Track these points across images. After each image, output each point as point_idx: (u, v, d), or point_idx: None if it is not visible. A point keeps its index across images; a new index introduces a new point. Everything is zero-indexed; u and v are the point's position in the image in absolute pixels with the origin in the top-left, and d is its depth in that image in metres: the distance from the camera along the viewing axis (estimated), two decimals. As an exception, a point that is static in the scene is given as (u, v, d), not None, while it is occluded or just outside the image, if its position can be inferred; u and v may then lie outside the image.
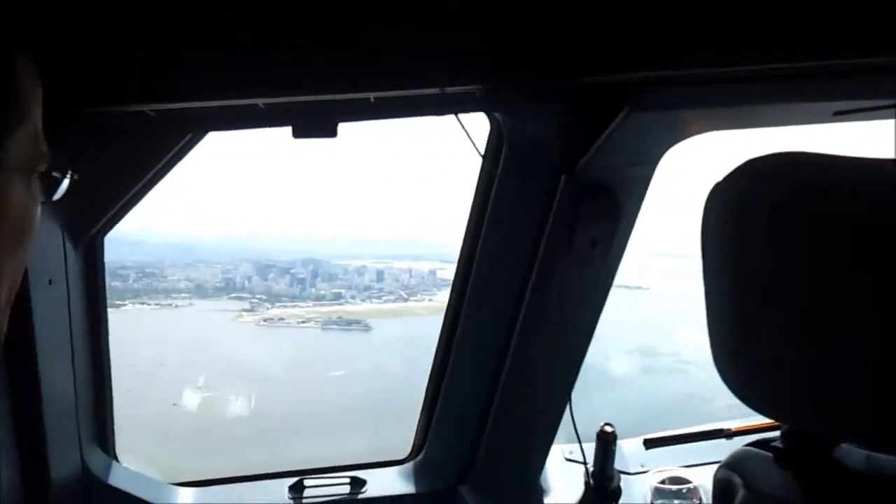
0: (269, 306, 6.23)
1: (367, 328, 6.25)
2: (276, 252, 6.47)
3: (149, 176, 1.71)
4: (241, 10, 1.23)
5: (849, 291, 0.78)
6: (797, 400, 0.87)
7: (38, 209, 0.82)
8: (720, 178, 0.91)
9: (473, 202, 1.91)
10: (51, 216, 1.71)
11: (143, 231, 5.13)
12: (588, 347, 1.97)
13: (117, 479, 2.03)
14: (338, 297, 6.32)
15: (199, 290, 6.21)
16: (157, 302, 6.04)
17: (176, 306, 6.10)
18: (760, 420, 1.99)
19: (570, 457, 2.23)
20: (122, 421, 2.14)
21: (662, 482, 2.14)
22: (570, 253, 1.75)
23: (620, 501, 2.09)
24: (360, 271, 6.40)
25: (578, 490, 2.10)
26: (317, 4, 1.24)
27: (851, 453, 0.98)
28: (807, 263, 0.81)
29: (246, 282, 6.29)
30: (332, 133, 1.50)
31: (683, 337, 5.78)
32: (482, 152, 1.78)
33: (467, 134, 1.59)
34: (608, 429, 2.05)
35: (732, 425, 2.11)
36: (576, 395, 1.97)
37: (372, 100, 1.39)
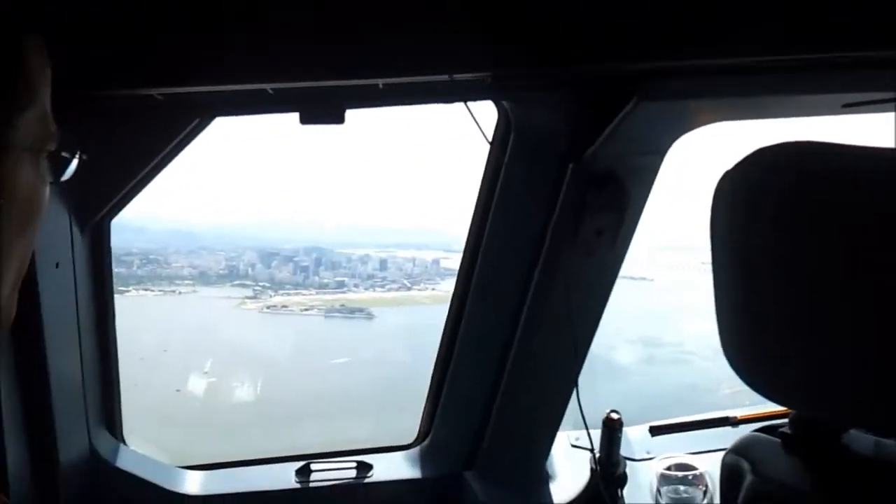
0: (273, 294, 6.24)
1: (369, 316, 6.27)
2: (279, 240, 6.47)
3: (156, 160, 1.72)
4: (251, -5, 1.23)
5: (858, 279, 0.78)
6: (806, 386, 0.87)
7: (47, 190, 0.82)
8: (729, 166, 0.91)
9: (480, 191, 1.91)
10: (58, 199, 1.71)
11: (146, 217, 5.13)
12: (594, 336, 1.98)
13: (125, 462, 2.04)
14: (341, 285, 6.33)
15: (203, 278, 6.22)
16: (160, 289, 6.06)
17: (179, 293, 6.11)
18: (766, 408, 1.99)
19: (576, 443, 2.24)
20: (125, 407, 2.15)
21: (668, 468, 2.14)
22: (577, 242, 1.75)
23: (626, 488, 2.10)
24: (364, 260, 6.41)
25: (584, 476, 2.11)
26: None
27: (860, 439, 0.99)
28: (816, 252, 0.81)
29: (249, 269, 6.30)
30: (339, 119, 1.49)
31: (687, 327, 5.78)
32: (490, 139, 1.78)
33: (475, 121, 1.59)
34: (614, 416, 2.06)
35: (738, 413, 2.12)
36: (580, 383, 1.97)
37: (380, 86, 1.38)
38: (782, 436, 1.05)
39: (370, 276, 6.36)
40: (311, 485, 2.11)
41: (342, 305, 6.27)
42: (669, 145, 1.68)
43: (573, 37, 1.26)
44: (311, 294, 6.29)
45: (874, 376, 0.80)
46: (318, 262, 6.35)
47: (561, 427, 2.15)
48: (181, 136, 1.67)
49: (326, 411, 5.20)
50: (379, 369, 5.81)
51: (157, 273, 6.12)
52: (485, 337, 2.03)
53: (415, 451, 2.26)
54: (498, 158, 1.81)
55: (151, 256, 6.15)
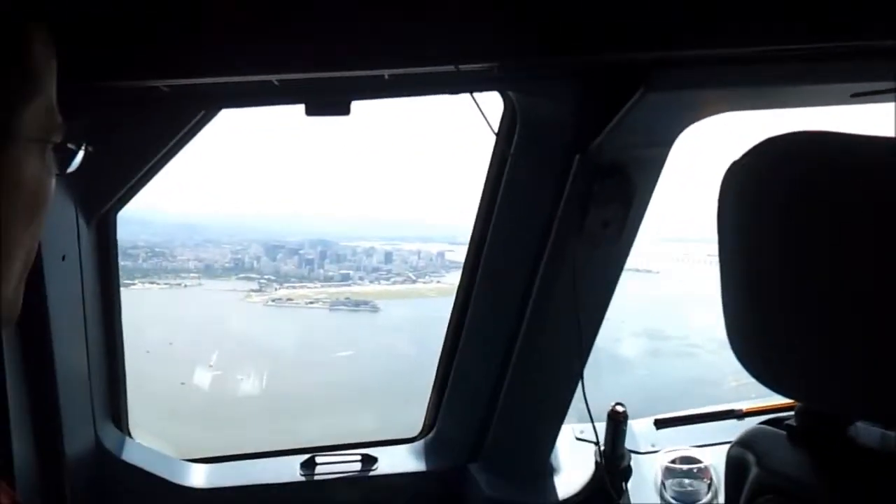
0: (278, 287, 6.25)
1: (374, 309, 6.27)
2: (285, 232, 6.48)
3: (162, 152, 1.72)
4: (256, -13, 1.23)
5: (866, 270, 0.78)
6: (813, 378, 0.87)
7: (52, 182, 0.82)
8: (738, 156, 0.91)
9: (486, 182, 1.91)
10: (64, 192, 1.71)
11: (151, 210, 5.14)
12: (599, 328, 1.97)
13: (131, 455, 2.05)
14: (346, 278, 6.33)
15: (208, 270, 6.23)
16: (166, 281, 6.07)
17: (185, 286, 6.12)
18: (772, 401, 1.99)
19: (580, 436, 2.24)
20: (130, 400, 2.15)
21: (673, 461, 2.14)
22: (583, 234, 1.74)
23: (631, 481, 2.10)
24: (369, 253, 6.41)
25: (589, 469, 2.11)
26: None
27: (866, 431, 0.99)
28: (823, 242, 0.81)
29: (255, 262, 6.31)
30: (345, 111, 1.49)
31: (692, 320, 5.77)
32: (496, 131, 1.77)
33: (481, 112, 1.58)
34: (619, 408, 2.06)
35: (744, 406, 2.11)
36: (584, 376, 1.97)
37: (386, 77, 1.38)
38: (788, 428, 1.05)
39: (375, 269, 6.36)
40: (316, 478, 2.12)
41: (347, 298, 6.28)
42: (676, 136, 1.67)
43: (580, 26, 1.25)
44: (316, 287, 6.30)
45: (881, 368, 0.79)
46: (323, 255, 6.36)
47: (565, 420, 2.15)
48: (187, 128, 1.67)
49: (331, 404, 5.20)
50: (384, 362, 5.82)
51: (163, 266, 6.13)
52: (490, 329, 2.03)
53: (419, 443, 2.26)
54: (504, 150, 1.81)
55: (157, 249, 6.16)
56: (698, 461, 2.13)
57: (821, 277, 0.81)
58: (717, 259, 0.96)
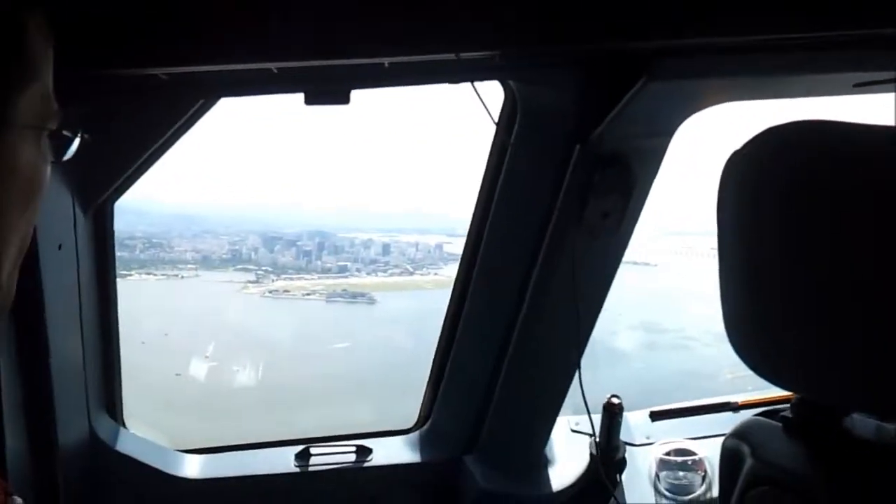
0: (275, 278, 6.25)
1: (371, 301, 6.27)
2: (283, 224, 6.47)
3: (160, 142, 1.71)
4: (255, -27, 1.22)
5: (866, 260, 0.78)
6: (812, 370, 0.87)
7: (48, 169, 0.82)
8: (738, 146, 0.91)
9: (485, 172, 1.90)
10: (61, 181, 1.70)
11: (149, 201, 5.13)
12: (597, 320, 1.97)
13: (125, 446, 2.04)
14: (343, 269, 6.33)
15: (206, 262, 6.23)
16: (163, 272, 6.06)
17: (182, 277, 6.12)
18: (768, 394, 1.99)
19: (576, 428, 2.24)
20: (125, 391, 2.15)
21: (668, 454, 2.15)
22: (582, 225, 1.74)
23: (625, 472, 2.11)
24: (367, 244, 6.41)
25: (584, 461, 2.12)
26: None
27: (861, 423, 0.98)
28: (824, 232, 0.80)
29: (252, 253, 6.31)
30: (344, 100, 1.48)
31: (688, 313, 5.78)
32: (496, 120, 1.77)
33: (482, 101, 1.58)
34: (615, 400, 2.06)
35: (739, 398, 2.11)
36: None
37: (386, 65, 1.37)
38: (783, 420, 1.05)
39: (373, 261, 6.37)
40: (311, 469, 2.11)
41: (344, 290, 6.28)
42: (677, 126, 1.67)
43: (581, 14, 1.24)
44: (313, 279, 6.30)
45: (881, 359, 0.79)
46: (320, 247, 6.36)
47: (561, 412, 2.15)
48: (185, 117, 1.66)
49: (327, 396, 5.21)
50: (380, 354, 5.83)
51: (160, 257, 6.13)
52: (487, 321, 2.03)
53: (415, 435, 2.26)
54: (504, 140, 1.80)
55: (155, 240, 6.15)
56: (693, 453, 2.14)
57: (821, 267, 0.81)
58: (714, 252, 0.96)
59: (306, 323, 6.27)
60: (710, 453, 2.12)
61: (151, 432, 2.20)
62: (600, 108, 1.49)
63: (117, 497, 2.02)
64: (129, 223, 5.51)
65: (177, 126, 1.68)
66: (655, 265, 6.04)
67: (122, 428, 2.10)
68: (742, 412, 2.07)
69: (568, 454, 2.18)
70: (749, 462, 1.03)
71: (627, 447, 2.14)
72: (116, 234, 1.97)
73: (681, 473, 2.13)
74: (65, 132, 0.83)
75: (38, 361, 1.71)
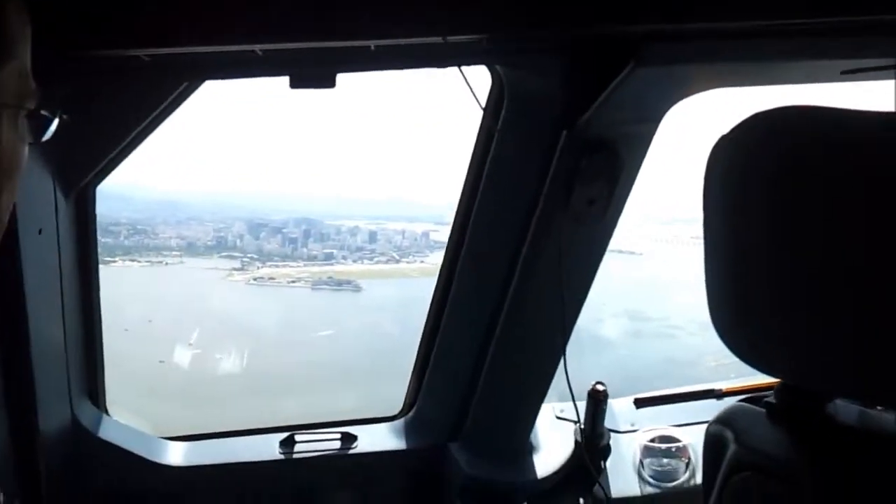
0: (260, 265, 6.21)
1: (357, 289, 6.25)
2: (269, 210, 6.43)
3: (143, 124, 1.68)
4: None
5: (853, 245, 0.78)
6: (800, 357, 0.87)
7: (26, 149, 0.81)
8: (725, 130, 0.90)
9: (472, 157, 1.89)
10: (42, 164, 1.68)
11: (133, 186, 5.09)
12: (582, 307, 1.97)
13: (108, 433, 2.03)
14: (329, 257, 6.31)
15: (191, 248, 6.19)
16: (147, 259, 6.02)
17: (166, 264, 6.07)
18: (752, 381, 2.00)
19: (560, 415, 2.25)
20: (107, 378, 2.13)
21: (652, 440, 2.16)
22: (569, 210, 1.74)
23: (610, 459, 2.12)
24: (353, 232, 6.38)
25: (568, 448, 2.12)
26: None
27: (844, 409, 0.99)
28: (811, 217, 0.80)
29: (237, 240, 6.26)
30: (330, 84, 1.47)
31: (673, 302, 5.80)
32: (483, 105, 1.76)
33: (469, 86, 1.57)
34: (600, 387, 2.07)
35: (723, 386, 2.12)
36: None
37: (372, 48, 1.36)
38: (767, 406, 1.05)
39: (359, 249, 6.34)
40: (295, 455, 2.11)
41: (330, 277, 6.25)
42: (664, 112, 1.67)
43: None
44: (298, 266, 6.27)
45: (868, 345, 0.79)
46: (306, 234, 6.32)
47: (546, 399, 2.15)
48: (168, 99, 1.64)
49: (312, 383, 5.20)
50: (365, 341, 5.81)
51: (144, 243, 6.07)
52: (473, 308, 2.02)
53: (400, 422, 2.26)
54: (491, 125, 1.79)
55: (139, 227, 6.10)
56: (677, 440, 2.15)
57: (807, 253, 0.81)
58: (701, 241, 0.95)
59: (291, 310, 6.24)
60: (694, 440, 2.14)
61: (134, 419, 2.19)
62: (588, 94, 1.48)
63: (100, 484, 2.00)
64: (114, 209, 5.46)
65: (160, 109, 1.66)
66: (641, 253, 6.05)
67: (104, 415, 2.09)
68: (726, 399, 2.07)
69: (553, 441, 2.19)
70: (732, 448, 1.03)
71: (612, 434, 2.15)
72: (100, 219, 1.95)
73: (665, 460, 2.14)
74: (43, 112, 0.82)
75: (18, 347, 1.69)
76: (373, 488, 2.16)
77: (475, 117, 1.82)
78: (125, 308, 5.11)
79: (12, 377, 1.71)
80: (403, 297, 5.72)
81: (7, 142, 0.76)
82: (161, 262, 6.08)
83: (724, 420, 1.09)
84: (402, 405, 2.29)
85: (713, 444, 1.09)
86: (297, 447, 2.12)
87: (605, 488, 2.09)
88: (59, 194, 1.76)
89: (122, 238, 5.88)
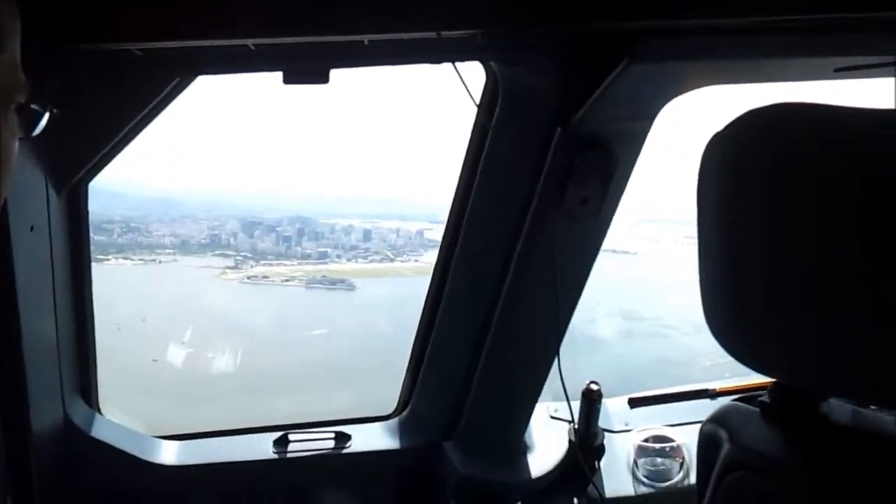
0: (254, 264, 6.20)
1: (351, 288, 6.24)
2: (263, 209, 6.42)
3: (135, 120, 1.67)
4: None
5: (849, 243, 0.77)
6: (792, 354, 0.86)
7: (16, 143, 0.80)
8: (719, 128, 0.90)
9: (466, 155, 1.89)
10: (33, 160, 1.66)
11: (126, 184, 5.07)
12: (576, 306, 1.97)
13: (100, 432, 2.02)
14: (323, 256, 6.29)
15: (184, 247, 6.17)
16: (140, 257, 6.00)
17: (160, 262, 6.05)
18: (745, 381, 2.00)
19: (555, 414, 2.24)
20: (100, 378, 2.12)
21: (646, 440, 2.16)
22: (563, 208, 1.73)
23: (604, 459, 2.12)
24: (347, 230, 6.37)
25: (562, 448, 2.12)
26: None
27: (838, 408, 0.98)
28: (806, 215, 0.80)
29: (231, 239, 6.25)
30: (324, 79, 1.46)
31: (667, 302, 5.81)
32: (477, 102, 1.75)
33: (463, 82, 1.56)
34: (594, 387, 2.06)
35: (717, 385, 2.13)
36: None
37: (366, 42, 1.35)
38: (761, 405, 1.05)
39: (353, 247, 6.33)
40: (289, 455, 2.10)
41: (324, 276, 6.24)
42: (658, 109, 1.67)
43: None
44: (292, 265, 6.25)
45: (861, 345, 0.79)
46: (300, 233, 6.31)
47: (540, 398, 2.15)
48: (161, 95, 1.63)
49: (305, 383, 5.19)
50: (359, 341, 5.80)
51: (137, 241, 6.05)
52: (466, 306, 2.02)
53: (394, 421, 2.25)
54: (485, 122, 1.79)
55: (132, 224, 6.08)
56: (671, 440, 2.15)
57: (802, 251, 0.80)
58: (694, 241, 0.95)
59: (285, 309, 6.23)
60: (688, 440, 2.14)
61: (127, 418, 2.18)
62: (582, 91, 1.48)
63: (92, 483, 1.99)
64: (107, 206, 5.44)
65: (152, 104, 1.64)
66: (635, 253, 6.06)
67: (97, 413, 2.08)
68: (720, 399, 2.07)
69: (547, 440, 2.19)
70: (726, 447, 1.03)
71: (606, 434, 2.15)
72: (93, 217, 1.94)
73: (659, 460, 2.14)
74: (33, 106, 0.81)
75: (9, 344, 1.68)
76: (367, 487, 2.15)
77: (470, 115, 1.82)
78: (118, 306, 5.09)
79: (4, 375, 1.70)
80: (397, 296, 5.72)
81: None
82: (154, 260, 6.06)
83: (717, 419, 1.09)
84: (395, 404, 2.28)
85: (707, 444, 1.08)
86: (291, 446, 2.12)
87: (599, 488, 2.09)
88: (50, 190, 1.75)
89: (115, 236, 5.86)
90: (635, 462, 2.16)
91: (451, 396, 2.16)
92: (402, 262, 6.22)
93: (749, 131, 0.87)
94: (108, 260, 5.68)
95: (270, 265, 6.23)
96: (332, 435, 2.15)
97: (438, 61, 1.49)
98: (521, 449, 2.18)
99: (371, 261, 6.26)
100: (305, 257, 6.27)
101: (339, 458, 2.13)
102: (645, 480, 2.14)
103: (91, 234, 1.97)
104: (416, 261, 6.08)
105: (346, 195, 6.72)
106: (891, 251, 0.75)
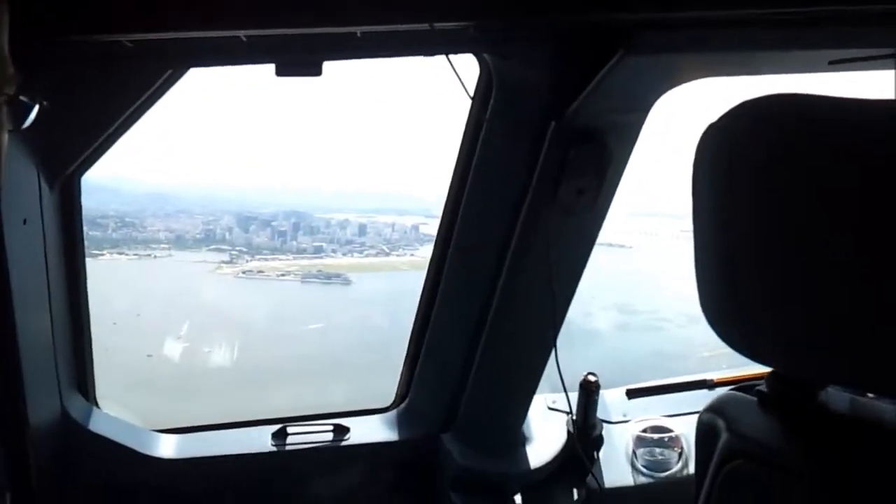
0: (249, 259, 6.19)
1: (346, 282, 6.24)
2: (258, 203, 6.40)
3: (128, 113, 1.66)
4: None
5: (844, 233, 0.77)
6: (792, 345, 0.86)
7: (6, 136, 0.79)
8: (714, 119, 0.90)
9: (461, 148, 1.88)
10: (25, 153, 1.66)
11: (121, 179, 5.06)
12: (572, 298, 1.97)
13: (98, 425, 2.01)
14: (319, 250, 6.29)
15: (179, 242, 6.15)
16: (135, 252, 5.98)
17: (155, 257, 6.04)
18: (743, 371, 2.01)
19: (553, 406, 2.25)
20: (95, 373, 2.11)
21: (644, 431, 2.17)
22: (557, 202, 1.73)
23: (602, 450, 2.12)
24: (343, 225, 6.36)
25: (561, 439, 2.12)
26: None
27: (836, 397, 0.99)
28: (801, 205, 0.80)
29: (227, 234, 6.24)
30: (316, 71, 1.46)
31: (663, 295, 5.82)
32: (471, 94, 1.74)
33: (457, 75, 1.55)
34: (591, 378, 2.06)
35: (715, 376, 2.13)
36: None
37: (358, 34, 1.34)
38: (759, 394, 1.05)
39: (348, 242, 6.32)
40: (288, 448, 2.10)
41: (319, 271, 6.23)
42: (653, 102, 1.66)
43: None
44: (288, 259, 6.24)
45: (855, 332, 0.79)
46: (296, 227, 6.30)
47: (538, 390, 2.15)
48: (153, 87, 1.62)
49: (301, 377, 5.18)
50: (356, 335, 5.80)
51: (132, 236, 6.03)
52: (463, 299, 2.02)
53: (392, 413, 2.25)
54: (479, 115, 1.78)
55: (127, 219, 6.06)
56: (669, 430, 2.16)
57: (798, 241, 0.80)
58: (689, 235, 0.95)
59: (281, 304, 6.23)
60: (686, 430, 2.14)
61: (124, 413, 2.17)
62: (576, 83, 1.48)
63: (91, 477, 1.99)
64: (102, 201, 5.42)
65: (144, 97, 1.63)
66: (630, 247, 6.07)
67: (94, 407, 2.07)
68: (717, 389, 2.08)
69: (545, 432, 2.19)
70: (724, 436, 1.03)
71: (604, 425, 2.16)
72: (88, 212, 1.93)
73: (657, 450, 2.15)
74: (23, 98, 0.80)
75: (5, 339, 1.67)
76: (365, 480, 2.16)
77: (462, 117, 1.82)
78: (113, 301, 5.08)
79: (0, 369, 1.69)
80: (393, 290, 5.71)
81: None
82: (149, 255, 6.04)
83: (715, 408, 1.09)
84: (393, 397, 2.28)
85: (705, 433, 1.08)
86: (289, 439, 2.12)
87: (599, 479, 2.09)
88: (43, 184, 1.74)
89: (110, 231, 5.84)
90: (634, 452, 2.16)
91: (448, 388, 2.16)
92: (397, 256, 6.21)
93: (743, 122, 0.87)
94: (102, 255, 5.67)
95: (266, 260, 6.22)
96: (331, 428, 2.15)
97: (431, 53, 1.48)
98: (519, 440, 2.18)
99: (367, 255, 6.26)
100: (301, 252, 6.26)
101: (337, 450, 2.13)
102: (644, 470, 2.14)
103: (85, 230, 1.96)
104: (412, 255, 6.07)
105: (342, 189, 6.71)
106: (885, 239, 0.75)
